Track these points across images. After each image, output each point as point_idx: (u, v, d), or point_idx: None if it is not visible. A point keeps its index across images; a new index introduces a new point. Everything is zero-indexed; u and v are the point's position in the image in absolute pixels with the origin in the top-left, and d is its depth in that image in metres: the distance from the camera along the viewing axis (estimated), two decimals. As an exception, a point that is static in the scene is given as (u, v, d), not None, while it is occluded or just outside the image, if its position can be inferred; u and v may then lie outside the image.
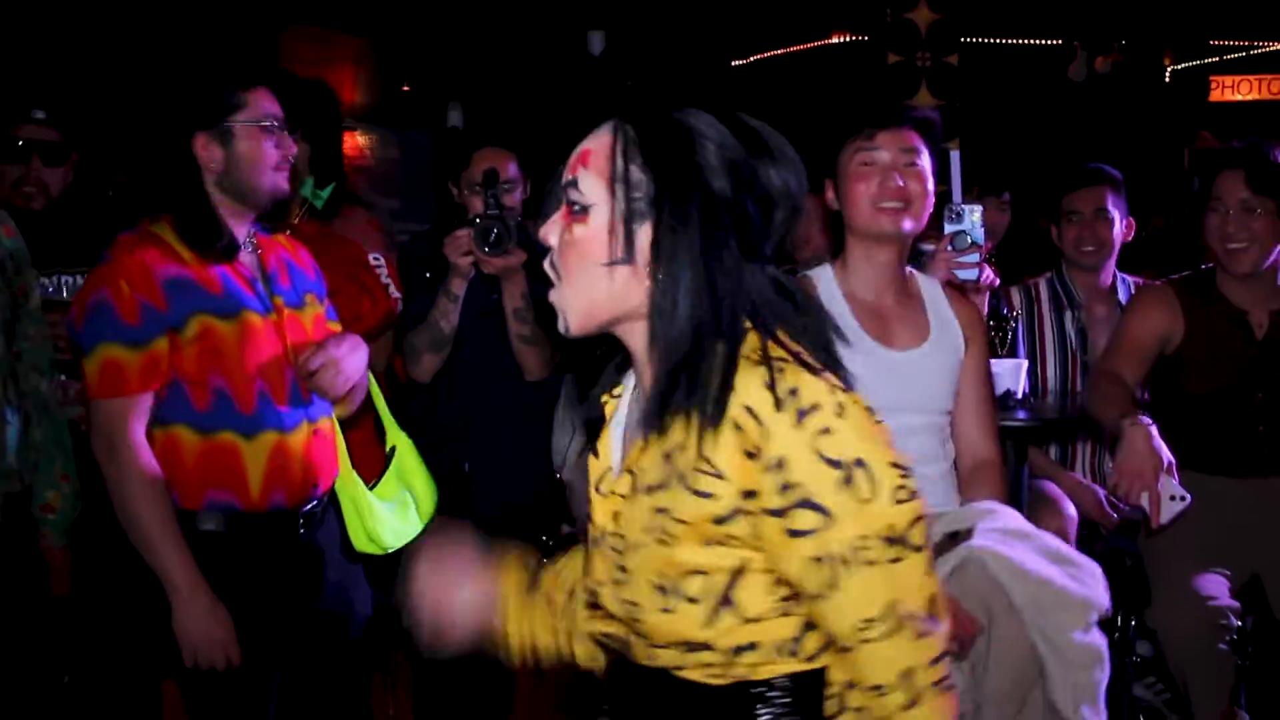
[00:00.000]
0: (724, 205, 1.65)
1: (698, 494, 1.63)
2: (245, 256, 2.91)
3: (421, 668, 3.89)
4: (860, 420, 1.62)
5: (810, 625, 1.69)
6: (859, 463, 1.59)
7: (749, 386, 1.61)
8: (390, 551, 3.04)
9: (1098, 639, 2.81)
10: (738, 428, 1.61)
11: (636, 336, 1.73)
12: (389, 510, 3.03)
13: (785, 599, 1.67)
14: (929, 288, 3.14)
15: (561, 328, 1.76)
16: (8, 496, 3.18)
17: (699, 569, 1.66)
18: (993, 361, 3.56)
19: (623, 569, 1.72)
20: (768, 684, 1.70)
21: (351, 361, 2.84)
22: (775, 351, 1.65)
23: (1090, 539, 3.93)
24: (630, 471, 1.74)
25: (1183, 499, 3.07)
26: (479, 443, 3.16)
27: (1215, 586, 3.44)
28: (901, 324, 3.05)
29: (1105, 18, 11.57)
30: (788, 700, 1.71)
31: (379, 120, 12.48)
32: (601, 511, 1.79)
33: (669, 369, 1.66)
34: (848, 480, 1.59)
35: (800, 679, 1.70)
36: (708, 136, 1.66)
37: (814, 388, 1.61)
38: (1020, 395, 3.86)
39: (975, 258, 3.39)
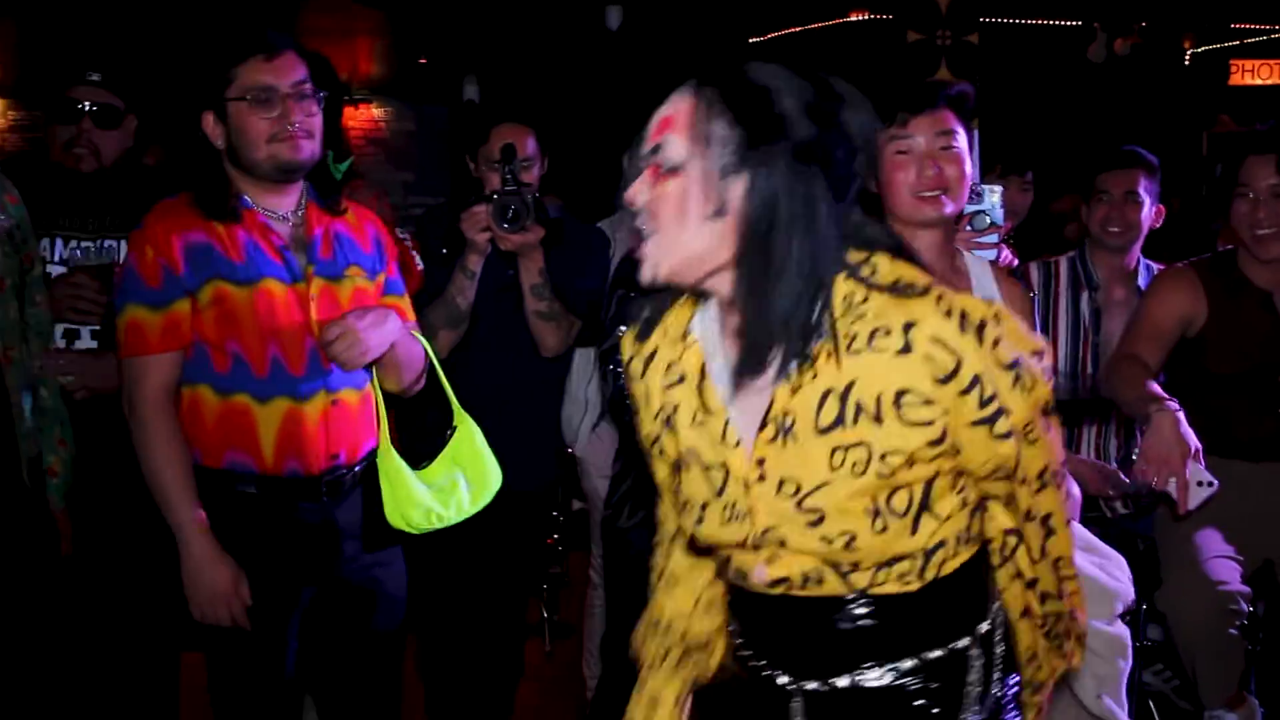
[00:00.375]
0: (810, 149, 1.73)
1: (914, 424, 1.77)
2: (281, 226, 2.94)
3: (429, 644, 3.90)
4: (1010, 323, 1.79)
5: (975, 510, 1.91)
6: (1020, 361, 1.79)
7: (925, 317, 1.75)
8: (423, 532, 3.05)
9: (1122, 629, 2.82)
10: (927, 358, 1.74)
11: (728, 284, 1.80)
12: (426, 492, 3.02)
13: (961, 490, 1.87)
14: (976, 267, 3.10)
15: (648, 278, 1.81)
16: (29, 460, 3.21)
17: (903, 484, 1.80)
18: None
19: (813, 509, 1.80)
20: (953, 576, 1.88)
21: (373, 334, 2.82)
22: (916, 279, 1.78)
23: (1101, 521, 3.92)
24: (776, 418, 1.80)
25: (1210, 484, 3.07)
26: (494, 419, 3.16)
27: (1227, 572, 3.44)
28: None
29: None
30: (968, 583, 1.92)
31: (395, 93, 12.49)
32: (738, 460, 1.85)
33: (786, 311, 1.75)
34: (1017, 379, 1.79)
35: (973, 561, 1.92)
36: (784, 87, 1.74)
37: (974, 306, 1.78)
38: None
39: (994, 238, 3.38)
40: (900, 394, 1.75)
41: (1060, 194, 6.83)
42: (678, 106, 1.78)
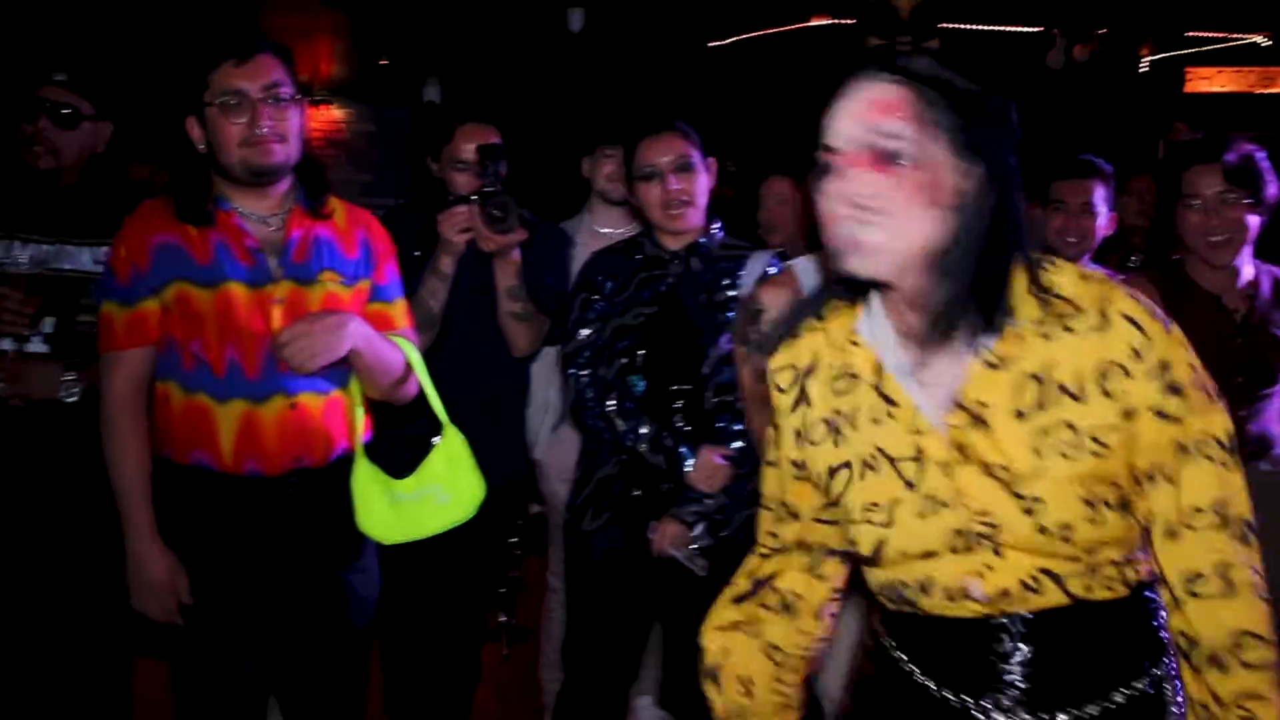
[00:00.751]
0: (1017, 144, 1.78)
1: (1114, 396, 1.75)
2: (258, 229, 2.95)
3: (389, 645, 3.89)
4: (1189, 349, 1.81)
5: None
6: (1199, 376, 1.80)
7: (1118, 298, 1.77)
8: (389, 543, 3.05)
9: None
10: (1124, 332, 1.75)
11: (916, 275, 1.78)
12: (398, 503, 3.00)
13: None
14: None
15: (869, 271, 1.78)
16: None
17: (1112, 473, 1.77)
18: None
19: (1029, 497, 1.75)
20: (1147, 583, 1.85)
21: (325, 339, 2.79)
22: (1102, 275, 1.81)
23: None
24: (969, 405, 1.78)
25: None
26: (466, 422, 3.14)
27: None
28: None
29: (1085, 6, 11.60)
30: (1155, 593, 1.86)
31: (356, 94, 12.44)
32: (935, 445, 1.81)
33: (978, 288, 1.76)
34: (1200, 384, 1.79)
35: (1151, 575, 1.86)
36: (984, 87, 1.80)
37: (1157, 308, 1.79)
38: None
39: None
40: (1102, 367, 1.74)
41: (1033, 196, 6.87)
42: (887, 92, 1.75)
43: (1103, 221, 4.17)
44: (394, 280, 3.14)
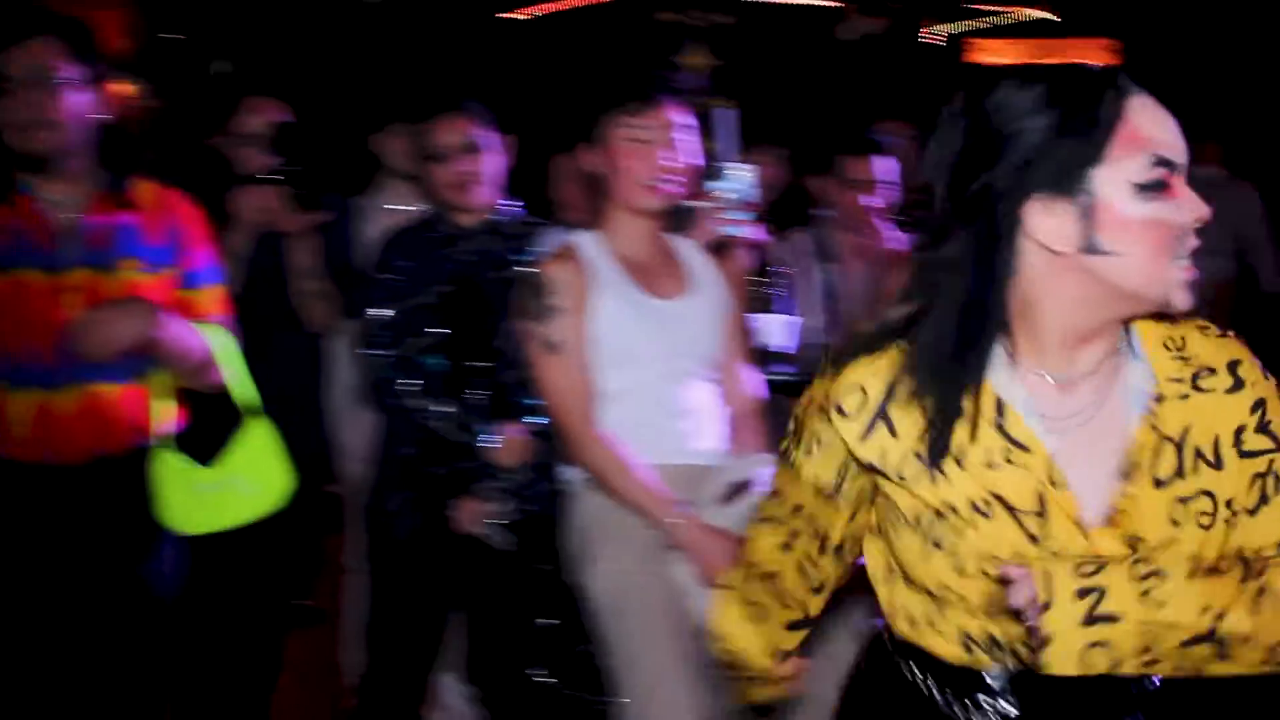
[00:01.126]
0: None
1: (1245, 455, 1.67)
2: (55, 214, 2.88)
3: (188, 635, 3.81)
4: None
5: None
6: None
7: (1244, 355, 1.70)
8: (190, 534, 3.02)
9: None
10: (1249, 394, 1.68)
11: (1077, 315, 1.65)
12: (200, 495, 2.97)
13: None
14: (683, 244, 3.28)
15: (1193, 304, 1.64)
16: None
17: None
18: (762, 316, 3.67)
19: (1153, 571, 1.58)
20: None
21: (118, 326, 2.76)
22: (1212, 323, 1.74)
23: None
24: (1135, 464, 1.66)
25: None
26: (265, 404, 3.09)
27: None
28: (665, 276, 3.18)
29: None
30: None
31: (141, 70, 12.12)
32: (1068, 502, 1.65)
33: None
34: None
35: None
36: None
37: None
38: (793, 350, 3.98)
39: (741, 215, 3.48)
40: (1238, 432, 1.66)
41: (821, 170, 7.01)
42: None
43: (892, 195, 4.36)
44: (207, 266, 3.08)
